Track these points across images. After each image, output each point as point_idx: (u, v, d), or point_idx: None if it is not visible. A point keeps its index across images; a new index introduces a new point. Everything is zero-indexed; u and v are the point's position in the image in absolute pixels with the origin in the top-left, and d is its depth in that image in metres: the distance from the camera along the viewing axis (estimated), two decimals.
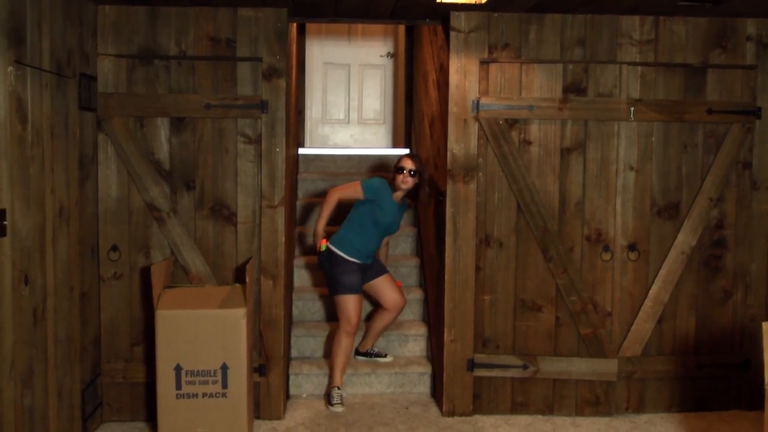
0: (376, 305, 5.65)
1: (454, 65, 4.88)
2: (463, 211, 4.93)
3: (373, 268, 5.34)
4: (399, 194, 5.21)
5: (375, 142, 8.35)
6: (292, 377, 5.29)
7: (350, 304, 5.09)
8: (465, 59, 4.87)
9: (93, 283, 4.65)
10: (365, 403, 5.18)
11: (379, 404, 5.17)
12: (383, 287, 5.39)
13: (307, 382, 5.33)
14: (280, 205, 4.76)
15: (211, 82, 4.74)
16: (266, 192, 4.75)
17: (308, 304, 5.81)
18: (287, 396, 5.21)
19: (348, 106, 8.33)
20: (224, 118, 4.74)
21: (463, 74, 4.89)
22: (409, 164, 5.13)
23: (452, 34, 4.87)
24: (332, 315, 5.84)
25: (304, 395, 5.30)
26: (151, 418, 4.78)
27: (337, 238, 5.17)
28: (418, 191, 5.21)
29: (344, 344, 5.10)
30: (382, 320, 5.45)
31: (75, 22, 4.30)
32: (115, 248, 4.76)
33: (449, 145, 4.92)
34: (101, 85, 4.69)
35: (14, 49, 3.50)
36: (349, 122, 8.34)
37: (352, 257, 5.13)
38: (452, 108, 4.91)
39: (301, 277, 6.04)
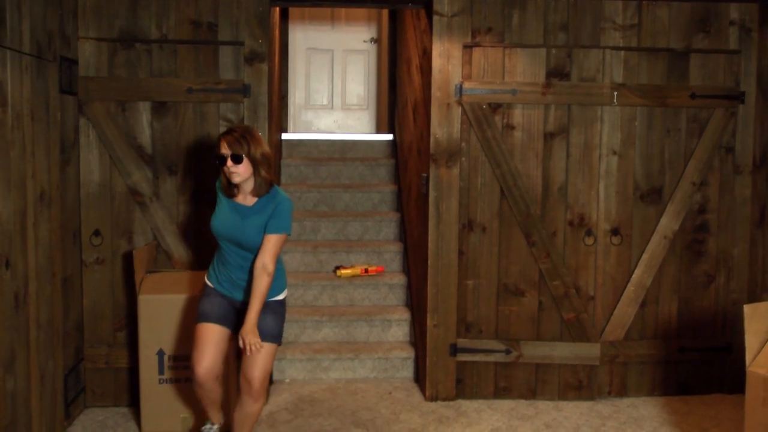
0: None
1: (437, 49, 4.87)
2: (446, 195, 4.93)
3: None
4: (242, 192, 3.77)
5: (358, 128, 8.33)
6: (275, 362, 5.28)
7: (198, 335, 3.79)
8: (448, 43, 4.86)
9: (75, 268, 4.62)
10: (348, 388, 5.19)
11: (362, 389, 5.18)
12: (244, 355, 3.75)
13: (290, 366, 5.33)
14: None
15: (193, 65, 4.71)
16: None
17: (291, 290, 5.79)
18: (270, 381, 5.20)
19: (331, 92, 8.31)
20: (206, 102, 4.71)
21: (446, 58, 4.87)
22: (225, 148, 3.68)
23: (435, 18, 4.85)
24: (315, 300, 5.84)
25: (287, 380, 5.30)
26: (134, 403, 4.77)
27: (213, 258, 4.00)
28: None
29: (199, 392, 3.86)
30: (241, 412, 3.85)
31: (55, 4, 4.25)
32: (97, 233, 4.73)
33: (432, 130, 4.91)
34: (82, 68, 4.65)
35: None
36: (332, 108, 8.32)
37: (209, 280, 3.93)
38: (435, 92, 4.89)
39: (286, 263, 6.02)
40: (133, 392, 4.78)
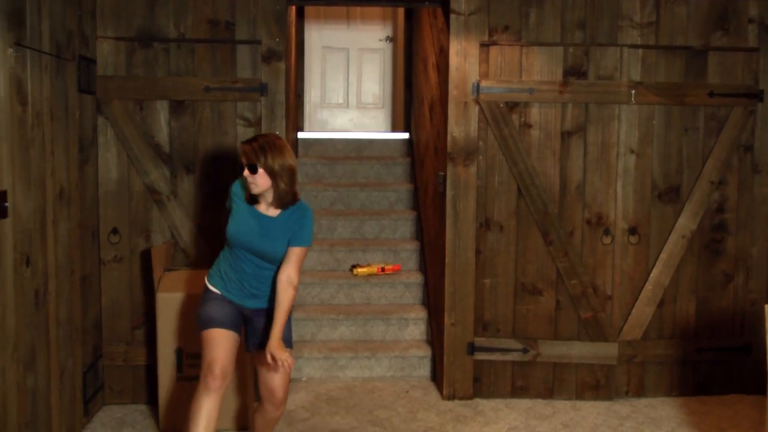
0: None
1: (454, 48, 4.86)
2: (463, 194, 4.92)
3: (265, 329, 3.72)
4: (264, 201, 3.65)
5: (374, 126, 8.33)
6: None
7: (210, 341, 3.60)
8: (465, 42, 4.85)
9: (94, 266, 4.64)
10: (365, 387, 5.19)
11: (379, 388, 5.18)
12: (263, 363, 3.70)
13: (307, 365, 5.33)
14: None
15: (211, 64, 4.72)
16: None
17: (308, 288, 5.80)
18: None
19: (347, 91, 8.31)
20: (223, 101, 4.72)
21: (463, 57, 4.87)
22: (243, 156, 3.59)
23: (452, 16, 4.84)
24: (332, 299, 5.85)
25: (304, 378, 5.30)
26: (152, 400, 4.78)
27: (215, 261, 3.85)
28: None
29: (203, 404, 3.51)
30: (262, 419, 3.85)
31: (74, 4, 4.27)
32: (115, 231, 4.75)
33: (449, 129, 4.90)
34: (100, 68, 4.67)
35: (14, 31, 3.48)
36: (348, 106, 8.32)
37: (215, 286, 3.73)
38: (452, 91, 4.89)
39: None
40: (151, 390, 4.80)
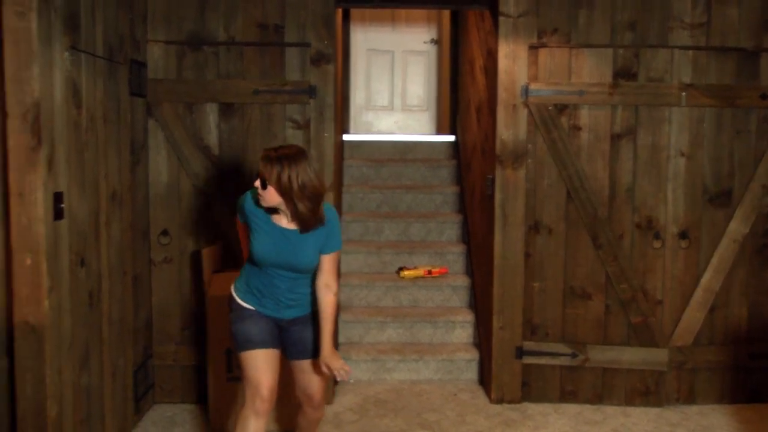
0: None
1: (503, 50, 4.84)
2: (512, 197, 4.89)
3: (301, 338, 3.58)
4: (283, 215, 3.39)
5: (418, 129, 8.32)
6: None
7: (251, 363, 3.44)
8: (514, 44, 4.83)
9: (144, 267, 4.69)
10: (412, 390, 5.18)
11: (427, 390, 5.17)
12: (301, 371, 3.62)
13: (355, 367, 5.34)
14: (329, 190, 4.76)
15: (260, 67, 4.75)
16: None
17: (355, 291, 5.81)
18: (335, 381, 5.22)
19: (392, 93, 8.31)
20: (273, 103, 4.75)
21: (512, 59, 4.84)
22: (260, 170, 3.31)
23: (501, 19, 4.82)
24: (378, 301, 5.85)
25: (352, 380, 5.31)
26: (201, 400, 4.83)
27: (240, 273, 3.66)
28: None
29: (251, 428, 3.41)
30: (305, 420, 3.76)
31: (126, 8, 4.33)
32: (165, 233, 4.80)
33: (498, 131, 4.88)
34: (151, 71, 4.72)
35: (70, 35, 3.53)
36: (392, 109, 8.32)
37: (246, 302, 3.53)
38: (501, 94, 4.86)
39: (347, 263, 6.05)
40: (199, 389, 4.84)
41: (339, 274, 3.55)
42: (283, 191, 3.25)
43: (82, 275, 3.68)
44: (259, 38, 4.73)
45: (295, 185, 3.24)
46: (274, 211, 3.39)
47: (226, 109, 4.76)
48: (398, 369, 5.40)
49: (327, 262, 3.44)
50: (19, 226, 3.29)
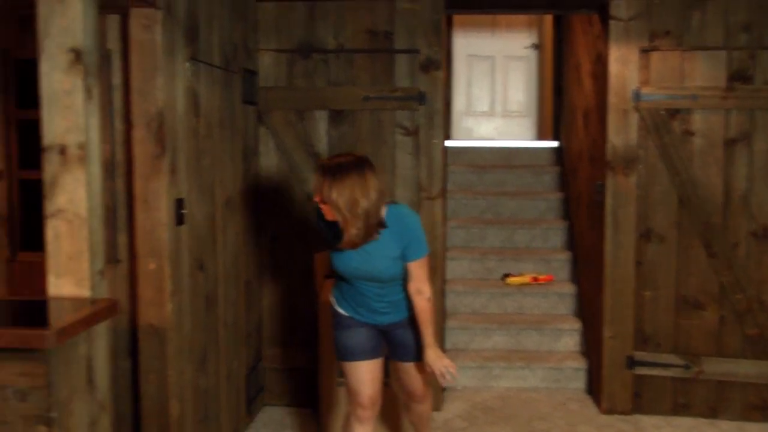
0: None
1: (614, 54, 4.76)
2: (622, 204, 4.80)
3: (403, 341, 3.50)
4: (345, 239, 3.18)
5: (519, 135, 8.25)
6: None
7: (351, 373, 3.46)
8: (625, 48, 4.74)
9: (255, 271, 4.78)
10: (520, 397, 5.13)
11: (535, 399, 5.11)
12: (404, 371, 3.58)
13: (461, 374, 5.31)
14: (438, 196, 4.76)
15: (369, 74, 4.78)
16: (424, 183, 4.76)
17: (460, 297, 5.80)
18: (443, 388, 5.21)
19: (492, 99, 8.27)
20: (382, 110, 4.78)
21: (622, 63, 4.75)
22: (315, 184, 3.17)
23: (611, 22, 4.74)
24: (484, 308, 5.82)
25: (459, 387, 5.29)
26: (310, 404, 4.88)
27: (335, 283, 3.58)
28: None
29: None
30: (411, 414, 3.76)
31: (239, 19, 4.42)
32: (275, 237, 4.88)
33: (608, 137, 4.79)
34: (262, 79, 4.81)
35: (190, 46, 3.63)
36: (493, 114, 8.28)
37: (343, 309, 3.48)
38: (611, 98, 4.78)
39: (452, 270, 6.03)
40: (309, 393, 4.90)
41: (436, 274, 3.41)
42: (335, 209, 3.08)
43: (201, 279, 3.78)
44: (368, 45, 4.76)
45: (342, 203, 3.06)
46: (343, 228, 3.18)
47: (336, 116, 4.81)
48: (505, 376, 5.36)
49: (414, 269, 3.30)
50: (143, 231, 3.40)
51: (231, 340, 4.25)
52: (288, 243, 4.88)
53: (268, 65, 4.82)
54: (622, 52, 4.74)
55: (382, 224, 3.20)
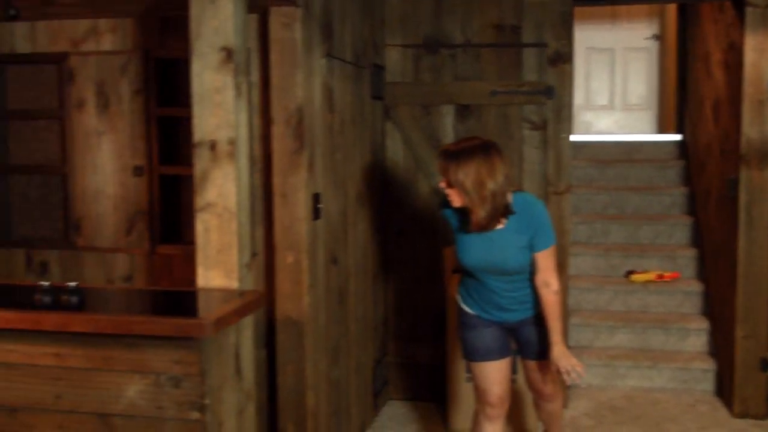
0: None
1: (750, 43, 4.58)
2: (758, 199, 4.63)
3: (530, 339, 3.45)
4: (473, 222, 3.14)
5: (639, 128, 8.06)
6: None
7: (478, 373, 3.44)
8: (762, 36, 4.56)
9: (381, 266, 4.82)
10: (647, 398, 5.01)
11: (662, 400, 4.98)
12: (532, 369, 3.54)
13: (586, 371, 5.23)
14: (565, 191, 4.69)
15: (496, 68, 4.75)
16: (552, 178, 4.70)
17: (583, 294, 5.71)
18: (568, 385, 5.14)
19: (612, 92, 8.11)
20: (509, 104, 4.74)
21: (759, 52, 4.58)
22: (441, 169, 3.17)
23: (748, 10, 4.57)
24: (607, 305, 5.71)
25: (583, 385, 5.21)
26: (435, 399, 4.89)
27: (460, 280, 3.56)
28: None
29: (485, 431, 3.50)
30: (542, 412, 3.72)
31: (368, 15, 4.46)
32: (401, 232, 4.90)
33: (743, 129, 4.63)
34: (389, 74, 4.84)
35: (326, 43, 3.69)
36: (612, 108, 8.12)
37: (469, 307, 3.45)
38: (746, 89, 4.61)
39: (575, 266, 5.94)
40: (433, 388, 4.91)
41: (561, 270, 3.33)
42: (461, 190, 3.06)
43: (334, 273, 3.84)
44: (495, 39, 4.73)
45: (469, 185, 3.04)
46: (469, 211, 3.15)
47: (463, 111, 4.80)
48: (630, 375, 5.25)
49: (541, 259, 3.24)
50: (281, 225, 3.47)
51: (360, 333, 4.30)
52: (413, 237, 4.90)
53: (395, 60, 4.85)
54: (759, 41, 4.57)
55: (508, 210, 3.16)
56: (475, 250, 3.23)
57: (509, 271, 3.25)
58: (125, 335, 2.65)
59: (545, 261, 3.24)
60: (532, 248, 3.22)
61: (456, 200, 3.12)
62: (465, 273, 3.42)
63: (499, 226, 3.18)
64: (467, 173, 3.03)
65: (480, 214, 3.07)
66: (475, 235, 3.20)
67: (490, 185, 3.04)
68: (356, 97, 4.24)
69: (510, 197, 3.18)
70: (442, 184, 3.14)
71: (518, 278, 3.30)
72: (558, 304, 3.29)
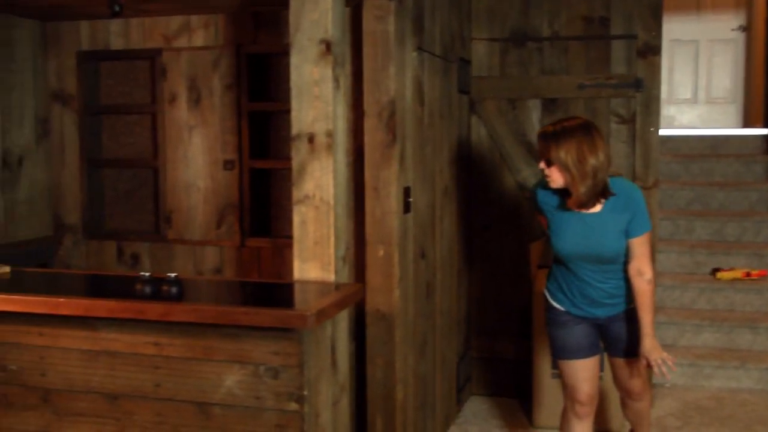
0: None
1: None
2: None
3: (619, 336, 3.38)
4: (573, 198, 3.11)
5: (724, 122, 7.88)
6: None
7: (567, 371, 3.39)
8: None
9: (465, 260, 4.80)
10: (734, 399, 4.90)
11: (750, 401, 4.86)
12: (620, 367, 3.47)
13: (670, 371, 5.13)
14: (653, 186, 4.62)
15: (584, 62, 4.69)
16: (639, 173, 4.62)
17: (667, 291, 5.60)
18: (652, 384, 5.07)
19: (695, 85, 7.95)
20: (596, 98, 4.67)
21: None
22: (539, 148, 3.17)
23: None
24: (692, 303, 5.60)
25: (667, 384, 5.12)
26: (519, 395, 4.85)
27: (549, 272, 3.50)
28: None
29: (574, 429, 3.44)
30: (630, 411, 3.65)
31: (456, 8, 4.44)
32: (486, 227, 4.87)
33: None
34: (475, 68, 4.81)
35: (417, 36, 3.69)
36: (696, 102, 7.96)
37: (558, 303, 3.39)
38: None
39: (658, 262, 5.82)
40: (516, 384, 4.87)
41: (653, 262, 3.28)
42: (563, 168, 3.03)
43: (422, 267, 3.83)
44: (583, 32, 4.66)
45: (570, 161, 3.01)
46: (566, 194, 3.14)
47: (549, 105, 4.75)
48: (716, 375, 5.13)
49: (636, 245, 3.17)
50: (373, 218, 3.48)
51: (446, 327, 4.29)
52: (498, 232, 4.86)
53: (481, 54, 4.82)
54: None
55: (608, 191, 3.11)
56: (571, 234, 3.18)
57: (605, 258, 3.19)
58: (225, 325, 2.69)
59: (640, 248, 3.18)
60: (627, 234, 3.16)
61: (556, 180, 3.09)
62: (556, 263, 3.36)
63: (597, 210, 3.14)
64: (569, 150, 3.01)
65: (580, 189, 3.04)
66: (572, 219, 3.17)
67: (592, 161, 3.02)
68: (444, 91, 4.22)
69: (607, 181, 3.14)
70: (542, 165, 3.12)
71: (611, 268, 3.24)
72: (651, 294, 3.22)
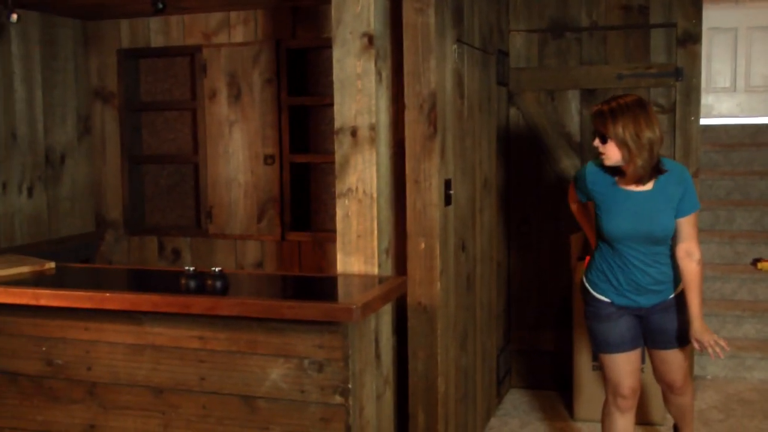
0: None
1: None
2: None
3: (661, 327, 3.33)
4: (626, 176, 3.16)
5: (763, 111, 7.80)
6: (695, 357, 5.08)
7: (610, 365, 3.36)
8: None
9: (505, 253, 4.79)
10: None
11: None
12: (661, 361, 3.43)
13: (711, 362, 5.10)
14: (694, 176, 4.51)
15: (623, 51, 4.65)
16: (680, 163, 4.57)
17: (708, 282, 5.53)
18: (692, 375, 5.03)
19: (734, 73, 7.87)
20: (636, 87, 4.62)
21: None
22: (595, 125, 3.21)
23: None
24: (733, 294, 5.54)
25: (709, 376, 5.08)
26: (559, 387, 4.84)
27: (589, 263, 3.48)
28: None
29: (616, 423, 3.40)
30: (672, 406, 3.62)
31: (494, 0, 4.42)
32: (525, 220, 4.86)
33: None
34: (513, 60, 4.79)
35: (456, 28, 3.67)
36: (735, 90, 7.88)
37: (602, 294, 3.35)
38: None
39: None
40: (556, 376, 4.86)
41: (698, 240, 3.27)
42: (620, 143, 3.06)
43: (463, 259, 3.83)
44: (622, 21, 4.62)
45: (627, 135, 3.04)
46: (617, 173, 3.18)
47: (588, 95, 4.71)
48: (758, 367, 5.08)
49: (685, 225, 3.18)
50: (414, 211, 3.48)
51: (486, 320, 4.29)
52: (538, 225, 4.85)
53: (519, 46, 4.79)
54: None
55: (660, 168, 3.15)
56: (624, 213, 3.17)
57: (655, 236, 3.17)
58: (269, 319, 2.71)
59: (689, 228, 3.20)
60: (677, 212, 3.16)
61: (611, 156, 3.12)
62: (600, 252, 3.33)
63: (648, 187, 3.15)
64: (626, 125, 3.05)
65: (638, 163, 3.06)
66: (623, 197, 3.17)
67: (648, 134, 3.06)
68: (483, 83, 4.21)
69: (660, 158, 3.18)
70: (596, 143, 3.16)
71: (659, 250, 3.22)
72: (700, 276, 3.22)
